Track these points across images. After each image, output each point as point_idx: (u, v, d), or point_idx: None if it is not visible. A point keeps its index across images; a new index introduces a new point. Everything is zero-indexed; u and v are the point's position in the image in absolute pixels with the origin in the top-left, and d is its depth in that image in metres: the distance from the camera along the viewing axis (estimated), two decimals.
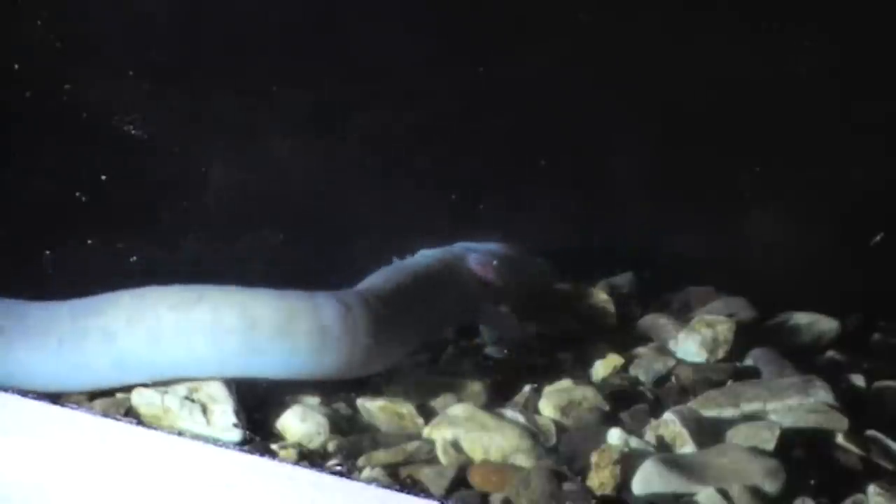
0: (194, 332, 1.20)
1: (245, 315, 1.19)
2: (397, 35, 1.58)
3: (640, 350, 1.47)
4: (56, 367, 1.24)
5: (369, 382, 1.30)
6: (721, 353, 1.45)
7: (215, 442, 1.17)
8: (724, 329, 1.46)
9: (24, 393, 1.22)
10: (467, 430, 1.21)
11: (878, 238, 1.62)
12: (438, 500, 1.10)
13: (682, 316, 1.58)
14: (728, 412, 1.27)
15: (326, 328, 1.20)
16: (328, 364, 1.22)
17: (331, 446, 1.19)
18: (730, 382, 1.36)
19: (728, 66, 1.60)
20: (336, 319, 1.21)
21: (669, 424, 1.22)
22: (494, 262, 1.48)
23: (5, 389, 1.22)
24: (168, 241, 1.55)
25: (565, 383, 1.32)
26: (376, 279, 1.36)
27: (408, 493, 1.09)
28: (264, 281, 1.25)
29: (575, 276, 1.63)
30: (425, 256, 1.48)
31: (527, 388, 1.32)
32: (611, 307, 1.56)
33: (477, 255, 1.49)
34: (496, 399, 1.31)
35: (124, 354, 1.22)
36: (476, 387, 1.32)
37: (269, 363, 1.21)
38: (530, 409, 1.29)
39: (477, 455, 1.19)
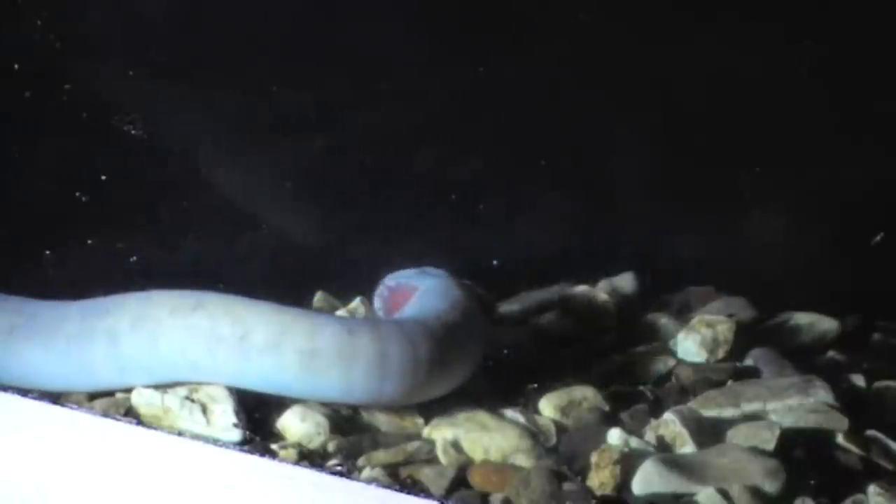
0: (191, 337, 1.19)
1: (238, 324, 1.18)
2: (396, 35, 1.58)
3: (640, 350, 1.47)
4: (62, 367, 1.24)
5: None
6: (721, 353, 1.45)
7: (215, 442, 1.17)
8: (724, 329, 1.46)
9: (24, 393, 1.22)
10: (467, 431, 1.21)
11: (878, 238, 1.62)
12: (438, 500, 1.10)
13: (682, 316, 1.58)
14: (728, 412, 1.27)
15: (318, 350, 1.17)
16: (322, 388, 1.19)
17: (331, 446, 1.19)
18: (730, 382, 1.36)
19: (728, 66, 1.60)
20: (332, 344, 1.17)
21: (669, 424, 1.22)
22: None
23: (5, 389, 1.22)
24: (168, 241, 1.55)
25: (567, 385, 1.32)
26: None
27: (408, 493, 1.09)
28: (263, 282, 1.24)
29: (575, 276, 1.63)
30: (426, 276, 1.44)
31: (527, 388, 1.32)
32: (611, 307, 1.56)
33: (464, 280, 1.47)
34: (496, 399, 1.31)
35: (126, 357, 1.21)
36: (476, 387, 1.32)
37: (258, 376, 1.19)
38: (530, 409, 1.29)
39: (477, 455, 1.19)
